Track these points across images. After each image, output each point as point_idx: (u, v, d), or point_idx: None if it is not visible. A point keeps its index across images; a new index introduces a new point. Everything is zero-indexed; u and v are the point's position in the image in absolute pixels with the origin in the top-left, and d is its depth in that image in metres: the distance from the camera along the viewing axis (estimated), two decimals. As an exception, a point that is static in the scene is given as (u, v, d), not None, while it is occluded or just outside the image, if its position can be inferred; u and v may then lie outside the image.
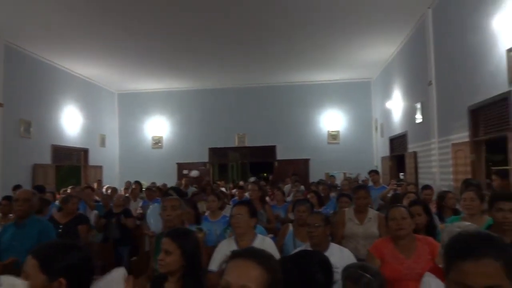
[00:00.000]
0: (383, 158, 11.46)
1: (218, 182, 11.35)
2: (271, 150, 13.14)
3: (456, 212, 4.14)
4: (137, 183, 8.03)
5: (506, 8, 4.71)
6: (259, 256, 1.17)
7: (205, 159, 13.30)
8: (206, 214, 4.81)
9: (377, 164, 12.11)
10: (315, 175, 11.98)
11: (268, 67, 11.38)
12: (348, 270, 2.09)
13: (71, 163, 11.16)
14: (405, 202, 3.84)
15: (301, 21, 7.99)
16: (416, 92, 8.38)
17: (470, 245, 1.07)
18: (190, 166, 13.05)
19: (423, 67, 7.65)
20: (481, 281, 1.01)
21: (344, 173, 11.73)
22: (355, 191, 3.88)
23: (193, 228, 3.80)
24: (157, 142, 13.43)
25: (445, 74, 6.74)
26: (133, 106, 13.58)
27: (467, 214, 3.38)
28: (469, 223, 2.03)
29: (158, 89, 13.37)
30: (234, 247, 2.86)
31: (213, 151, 13.39)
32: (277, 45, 9.47)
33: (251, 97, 13.10)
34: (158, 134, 13.45)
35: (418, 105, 8.08)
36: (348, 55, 10.38)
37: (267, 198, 6.72)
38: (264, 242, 2.86)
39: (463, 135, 5.99)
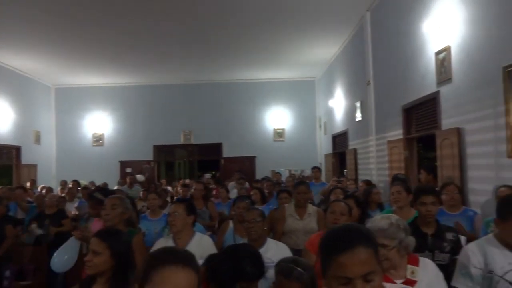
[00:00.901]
0: (326, 155, 11.83)
1: (162, 181, 11.11)
2: (217, 147, 13.09)
3: (381, 207, 4.37)
4: (75, 181, 7.65)
5: (433, 14, 5.03)
6: (189, 260, 1.14)
7: (150, 157, 12.96)
8: (146, 213, 4.69)
9: (321, 161, 12.48)
10: (261, 173, 12.11)
11: (214, 64, 11.30)
12: (280, 265, 2.12)
13: (2, 162, 10.38)
14: (333, 197, 3.96)
15: (247, 20, 8.01)
16: (356, 91, 8.73)
17: (343, 239, 1.09)
18: (134, 164, 12.66)
19: (362, 67, 7.98)
20: (358, 270, 1.04)
21: (290, 170, 11.99)
22: (295, 187, 3.97)
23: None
24: (98, 139, 12.86)
25: (382, 75, 7.08)
26: (72, 101, 12.88)
27: (396, 207, 3.58)
28: (392, 215, 2.14)
29: (100, 84, 12.80)
30: (171, 245, 2.81)
31: (158, 149, 13.08)
32: (223, 43, 9.43)
33: (197, 94, 12.94)
34: (99, 131, 12.88)
35: (358, 104, 8.42)
36: (293, 54, 10.57)
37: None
38: (202, 240, 2.84)
39: (397, 133, 6.33)
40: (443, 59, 4.80)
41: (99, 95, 12.90)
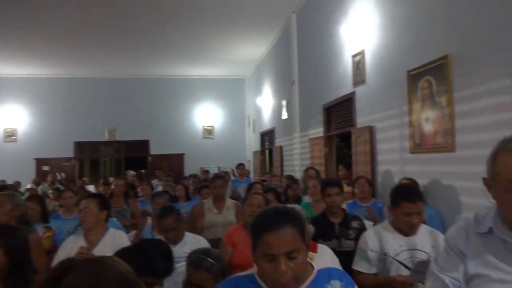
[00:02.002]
0: (254, 152, 12.03)
1: (84, 179, 10.53)
2: (144, 144, 12.70)
3: (298, 200, 4.57)
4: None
5: (351, 18, 5.36)
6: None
7: (71, 154, 12.20)
8: (59, 211, 4.43)
9: (249, 158, 12.67)
10: (190, 170, 11.94)
11: (141, 59, 10.94)
12: (191, 256, 2.14)
13: None
14: (253, 191, 4.06)
15: (177, 15, 7.87)
16: (282, 90, 8.99)
17: (270, 219, 1.19)
18: (52, 161, 11.83)
19: (288, 67, 8.25)
20: (282, 248, 1.14)
21: (219, 168, 12.01)
22: (212, 181, 4.00)
23: (40, 226, 3.47)
24: (10, 134, 11.82)
25: (306, 75, 7.37)
26: (-21, 92, 11.71)
27: (313, 200, 3.76)
28: (296, 205, 2.26)
29: (13, 75, 11.74)
30: (82, 242, 2.69)
31: (80, 145, 12.36)
32: (151, 37, 9.17)
33: (122, 89, 12.44)
34: (11, 125, 11.84)
35: (284, 103, 8.68)
36: (224, 52, 10.59)
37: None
38: (116, 236, 2.75)
39: (318, 131, 6.64)
40: (359, 61, 5.13)
41: (12, 87, 11.85)
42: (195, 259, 2.06)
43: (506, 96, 2.81)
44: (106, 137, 12.43)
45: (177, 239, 2.83)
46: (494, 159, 1.17)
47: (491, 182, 1.18)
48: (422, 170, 3.84)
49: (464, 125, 3.26)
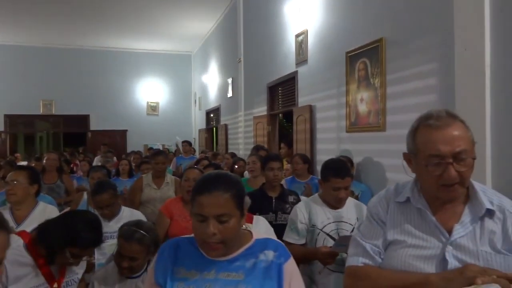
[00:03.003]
0: (200, 130, 11.93)
1: (16, 155, 9.89)
2: (84, 119, 12.12)
3: (241, 176, 4.63)
4: None
5: (294, -2, 5.40)
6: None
7: (1, 127, 11.36)
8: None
9: (195, 136, 12.55)
10: (133, 147, 11.61)
11: (82, 29, 10.31)
12: (122, 228, 2.12)
13: None
14: (200, 166, 4.10)
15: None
16: (228, 68, 8.92)
17: (206, 183, 1.24)
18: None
19: (235, 44, 8.18)
20: (213, 210, 1.19)
21: (163, 145, 11.78)
22: (153, 157, 3.95)
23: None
24: None
25: (251, 53, 7.37)
26: None
27: (251, 176, 3.83)
28: None
29: None
30: (8, 218, 2.55)
31: (12, 118, 11.53)
32: (93, 6, 8.65)
33: (60, 59, 11.67)
34: None
35: (230, 81, 8.64)
36: (169, 26, 10.25)
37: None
38: (46, 210, 2.64)
39: (262, 109, 6.71)
40: (301, 41, 5.20)
41: None
42: (126, 231, 2.05)
43: (432, 79, 3.01)
44: (41, 111, 11.68)
45: (113, 215, 2.77)
46: (414, 135, 1.23)
47: (412, 157, 1.25)
48: (357, 148, 4.04)
49: (394, 106, 3.45)
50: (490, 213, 1.20)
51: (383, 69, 3.55)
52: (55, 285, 1.81)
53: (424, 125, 1.20)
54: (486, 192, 1.24)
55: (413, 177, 1.32)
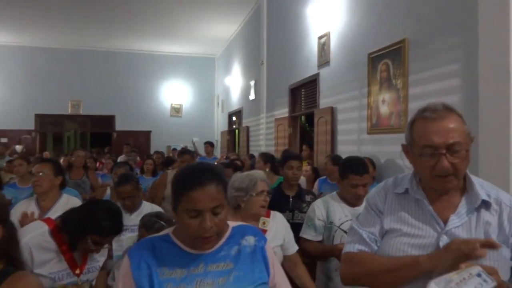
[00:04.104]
0: (222, 132, 12.04)
1: (45, 153, 10.23)
2: (110, 120, 12.43)
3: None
4: None
5: (318, 0, 5.41)
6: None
7: (31, 126, 11.78)
8: (15, 180, 4.33)
9: (217, 138, 12.67)
10: (156, 148, 11.81)
11: (109, 31, 10.61)
12: (143, 219, 2.19)
13: None
14: None
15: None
16: (251, 70, 8.99)
17: (196, 177, 1.20)
18: (10, 133, 11.39)
19: (258, 47, 8.24)
20: (208, 204, 1.17)
21: (186, 146, 11.94)
22: (180, 155, 4.04)
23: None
24: (-34, 103, 11.27)
25: (274, 56, 7.40)
26: None
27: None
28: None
29: (-31, 41, 11.15)
30: (33, 207, 2.67)
31: (42, 118, 11.94)
32: (120, 9, 8.89)
33: (88, 61, 12.03)
34: (-33, 94, 11.29)
35: (252, 83, 8.70)
36: (194, 29, 10.42)
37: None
38: (70, 201, 2.74)
39: (284, 111, 6.73)
40: (324, 43, 5.21)
41: (-32, 53, 11.26)
42: (148, 221, 2.12)
43: (455, 80, 2.97)
44: (69, 111, 12.06)
45: (134, 208, 2.85)
46: (411, 127, 1.26)
47: (408, 148, 1.28)
48: (378, 150, 4.00)
49: (416, 107, 3.37)
50: (486, 205, 1.23)
51: (406, 70, 3.51)
52: (77, 271, 1.88)
53: (421, 117, 1.23)
54: (483, 185, 1.27)
55: (410, 167, 1.34)
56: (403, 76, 3.54)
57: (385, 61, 3.82)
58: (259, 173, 2.21)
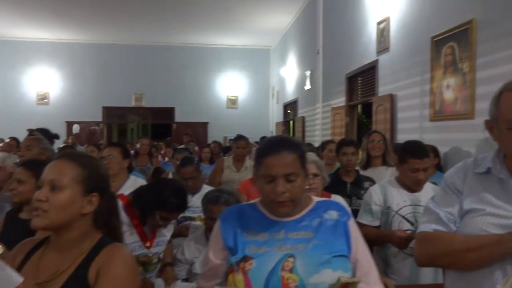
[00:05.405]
0: (277, 123, 12.09)
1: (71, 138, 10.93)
2: (170, 112, 12.96)
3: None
4: (12, 138, 7.43)
5: (378, -16, 5.24)
6: (72, 156, 1.27)
7: (99, 118, 12.61)
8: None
9: (272, 130, 12.75)
10: (213, 139, 12.09)
11: (168, 26, 11.02)
12: (207, 195, 2.31)
13: None
14: None
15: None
16: (306, 60, 8.92)
17: (272, 145, 1.29)
18: (81, 125, 12.26)
19: (314, 36, 8.15)
20: (281, 170, 1.23)
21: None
22: (235, 141, 4.14)
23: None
24: (43, 97, 12.28)
25: (330, 44, 7.29)
26: (14, 55, 12.10)
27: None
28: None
29: (45, 39, 12.07)
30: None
31: (108, 110, 12.73)
32: (177, 5, 9.21)
33: (149, 55, 12.59)
34: (44, 89, 12.29)
35: (308, 73, 8.63)
36: (249, 21, 10.52)
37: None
38: (136, 182, 2.92)
39: (340, 100, 6.62)
40: (383, 29, 5.04)
41: (45, 51, 12.22)
42: (212, 196, 2.24)
43: (529, 62, 2.77)
44: (132, 103, 12.74)
45: (195, 189, 2.99)
46: (497, 100, 1.21)
47: (493, 123, 1.22)
48: (442, 138, 3.83)
49: (484, 92, 3.22)
50: None
51: (473, 52, 3.32)
52: (148, 243, 2.03)
53: (508, 90, 1.18)
54: None
55: (494, 145, 1.28)
56: (470, 59, 3.36)
57: (450, 44, 3.63)
58: (309, 155, 2.24)
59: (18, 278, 0.95)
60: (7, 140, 7.31)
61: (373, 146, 3.39)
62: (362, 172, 3.25)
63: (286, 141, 1.30)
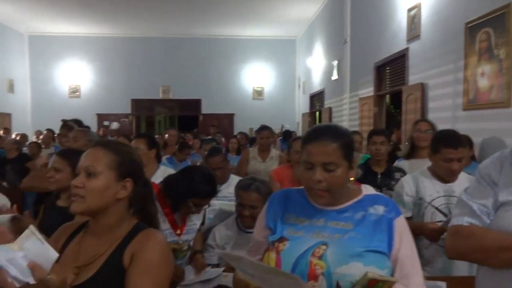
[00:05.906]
0: (303, 114, 12.01)
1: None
2: (196, 103, 13.08)
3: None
4: (49, 130, 7.71)
5: (409, -30, 5.08)
6: (106, 144, 1.31)
7: (128, 110, 12.88)
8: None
9: (298, 121, 12.67)
10: (239, 130, 12.18)
11: (194, 19, 11.08)
12: (239, 183, 2.34)
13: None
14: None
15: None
16: (333, 50, 8.79)
17: (315, 132, 1.28)
18: (111, 117, 12.58)
19: (341, 26, 8.01)
20: (320, 159, 1.22)
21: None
22: (259, 132, 4.15)
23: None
24: (75, 91, 12.65)
25: (358, 33, 7.15)
26: (47, 50, 12.49)
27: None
28: None
29: (76, 34, 12.40)
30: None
31: (136, 103, 12.99)
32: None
33: (176, 48, 12.71)
34: (75, 82, 12.65)
35: (335, 63, 8.50)
36: (275, 12, 10.44)
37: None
38: (166, 171, 2.98)
39: (369, 90, 6.50)
40: (414, 16, 4.90)
41: (76, 45, 12.56)
42: (244, 183, 2.27)
43: None
44: (160, 96, 12.93)
45: (223, 179, 3.03)
46: None
47: None
48: (476, 127, 3.70)
49: (522, 79, 3.09)
50: None
51: (510, 38, 3.18)
52: (178, 231, 2.07)
53: None
54: None
55: None
56: (507, 45, 3.22)
57: (486, 29, 3.49)
58: None
59: (55, 253, 0.99)
60: (45, 132, 7.65)
61: (419, 136, 2.96)
62: (403, 162, 3.07)
63: (330, 129, 1.27)
